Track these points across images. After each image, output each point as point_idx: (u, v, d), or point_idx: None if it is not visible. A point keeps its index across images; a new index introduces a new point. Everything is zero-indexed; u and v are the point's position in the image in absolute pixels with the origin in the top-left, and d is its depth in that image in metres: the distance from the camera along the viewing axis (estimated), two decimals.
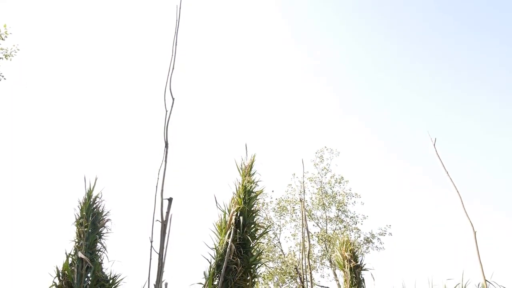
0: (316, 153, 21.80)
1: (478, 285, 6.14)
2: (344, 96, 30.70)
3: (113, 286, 7.16)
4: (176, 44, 5.01)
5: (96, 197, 7.42)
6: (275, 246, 20.37)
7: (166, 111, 4.74)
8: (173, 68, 4.92)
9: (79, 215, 7.23)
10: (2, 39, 12.80)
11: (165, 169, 4.44)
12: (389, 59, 28.58)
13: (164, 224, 4.24)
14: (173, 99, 4.78)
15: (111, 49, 28.03)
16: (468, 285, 6.01)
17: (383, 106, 29.45)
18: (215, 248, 7.00)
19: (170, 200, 4.37)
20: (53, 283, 6.74)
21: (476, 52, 27.39)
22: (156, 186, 4.37)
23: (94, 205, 7.36)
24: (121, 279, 7.27)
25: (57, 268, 6.86)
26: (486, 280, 6.50)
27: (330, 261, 19.39)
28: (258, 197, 7.79)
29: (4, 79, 12.97)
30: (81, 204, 7.34)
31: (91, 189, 7.43)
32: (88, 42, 27.10)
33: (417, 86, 28.17)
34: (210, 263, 6.85)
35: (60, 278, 6.80)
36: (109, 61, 27.96)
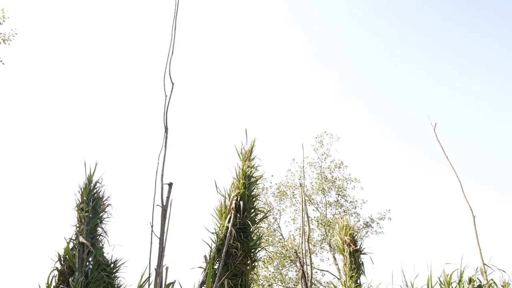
0: (316, 138, 21.82)
1: (477, 268, 6.19)
2: (344, 80, 30.58)
3: (115, 270, 7.22)
4: (175, 29, 4.97)
5: (97, 182, 7.44)
6: (275, 231, 20.50)
7: (166, 96, 4.71)
8: (172, 53, 4.88)
9: (80, 200, 7.26)
10: (0, 23, 12.70)
11: (165, 154, 4.44)
12: (389, 44, 28.40)
13: (164, 209, 4.25)
14: (173, 84, 4.75)
15: (111, 34, 27.85)
16: (467, 268, 6.06)
17: (384, 91, 29.37)
18: (216, 233, 7.04)
19: (170, 185, 4.37)
20: (55, 268, 6.80)
21: (476, 36, 27.21)
22: (156, 171, 4.37)
23: (95, 190, 7.38)
24: (122, 263, 7.33)
25: (58, 253, 6.91)
26: (484, 264, 6.55)
27: (330, 245, 19.53)
28: (258, 182, 7.81)
29: (3, 64, 12.90)
30: (82, 189, 7.36)
31: (92, 174, 7.44)
32: (87, 27, 26.91)
33: (417, 71, 28.06)
34: (211, 247, 6.90)
35: (62, 262, 6.86)
36: (109, 46, 27.80)
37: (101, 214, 7.27)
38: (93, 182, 7.39)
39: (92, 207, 7.13)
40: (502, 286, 9.36)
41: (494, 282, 6.17)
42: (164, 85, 4.73)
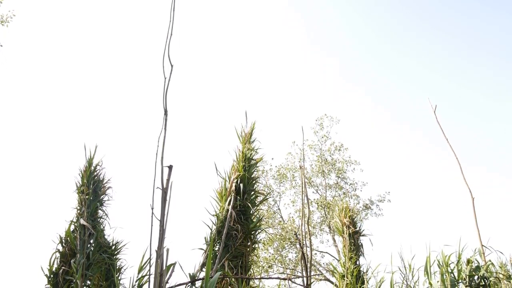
0: (316, 120, 21.79)
1: (475, 250, 6.23)
2: (344, 65, 30.41)
3: (116, 252, 7.27)
4: (174, 10, 4.92)
5: (97, 165, 7.45)
6: (275, 213, 20.63)
7: (165, 78, 4.68)
8: (171, 34, 4.84)
9: (80, 183, 7.27)
10: None
11: (164, 136, 4.43)
12: (389, 29, 28.16)
13: (164, 192, 4.26)
14: (172, 66, 4.71)
15: (110, 16, 27.58)
16: (465, 250, 6.10)
17: (383, 75, 29.24)
18: (216, 215, 7.08)
19: (170, 167, 4.37)
20: (57, 250, 6.85)
21: (475, 20, 26.97)
22: (156, 154, 4.37)
23: (95, 173, 7.39)
24: (123, 245, 7.39)
25: (59, 235, 6.96)
26: (483, 245, 6.60)
27: (329, 227, 19.66)
28: (258, 165, 7.83)
29: (1, 46, 12.82)
30: (82, 172, 7.37)
31: (92, 157, 7.44)
32: (86, 8, 26.64)
33: (417, 55, 27.90)
34: (211, 229, 6.94)
35: (63, 244, 6.90)
36: (108, 28, 27.57)
37: (102, 196, 7.30)
38: (93, 165, 7.40)
39: (92, 189, 7.15)
40: (499, 267, 9.44)
41: (492, 263, 6.22)
42: (163, 67, 4.69)
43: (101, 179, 7.43)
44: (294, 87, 30.56)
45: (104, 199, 7.37)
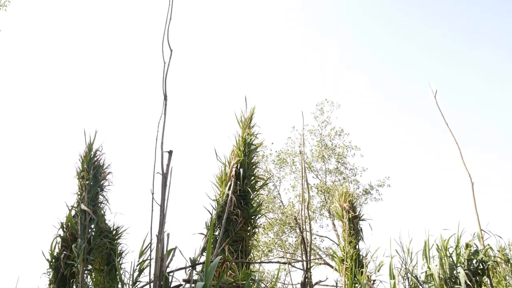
0: (317, 105, 21.73)
1: (474, 234, 6.27)
2: (344, 50, 30.22)
3: (117, 236, 7.31)
4: None
5: (97, 150, 7.44)
6: (275, 198, 20.69)
7: (164, 63, 4.66)
8: (170, 19, 4.80)
9: (80, 168, 7.28)
10: None
11: (164, 121, 4.42)
12: (389, 15, 27.93)
13: (164, 177, 4.27)
14: (171, 50, 4.69)
15: (109, 1, 27.31)
16: (464, 234, 6.13)
17: (384, 61, 29.11)
18: (216, 200, 7.10)
19: (170, 152, 4.38)
20: (58, 235, 6.88)
21: (476, 5, 26.75)
22: (156, 139, 4.37)
23: (95, 159, 7.39)
24: (124, 230, 7.43)
25: (60, 220, 6.99)
26: (481, 229, 6.64)
27: (329, 212, 19.75)
28: (258, 150, 7.83)
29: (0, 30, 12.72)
30: (82, 157, 7.37)
31: (91, 142, 7.44)
32: None
33: (417, 41, 27.75)
34: (211, 214, 6.97)
35: (64, 229, 6.94)
36: (107, 12, 27.33)
37: (102, 182, 7.31)
38: (93, 150, 7.39)
39: (92, 175, 7.16)
40: (498, 251, 9.50)
41: (491, 247, 6.26)
42: (163, 51, 4.67)
43: (101, 164, 7.43)
44: (294, 72, 30.44)
45: (104, 185, 7.38)
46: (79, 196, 7.07)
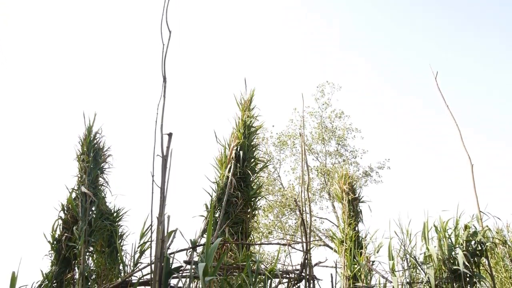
0: (317, 87, 21.65)
1: (473, 216, 6.29)
2: (344, 33, 29.98)
3: (117, 218, 7.36)
4: None
5: (96, 133, 7.44)
6: (274, 180, 20.75)
7: (163, 44, 4.62)
8: (169, 0, 4.74)
9: (80, 151, 7.28)
10: None
11: (164, 104, 4.40)
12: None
13: (164, 159, 4.27)
14: (170, 32, 4.64)
15: None
16: (463, 216, 6.16)
17: (383, 44, 28.91)
18: (216, 182, 7.11)
19: (170, 135, 4.37)
20: (59, 217, 6.92)
21: None
22: (156, 121, 4.36)
23: (95, 141, 7.39)
24: (125, 212, 7.47)
25: (61, 202, 7.02)
26: (480, 211, 6.67)
27: (329, 194, 19.83)
28: (257, 132, 7.82)
29: None
30: (82, 140, 7.37)
31: (91, 125, 7.43)
32: None
33: (417, 24, 27.52)
34: (211, 196, 6.99)
35: (65, 212, 6.97)
36: None
37: (102, 164, 7.32)
38: (93, 133, 7.39)
39: (92, 157, 7.17)
40: (496, 232, 9.57)
41: (489, 229, 6.29)
42: (161, 33, 4.62)
43: (101, 147, 7.44)
44: (294, 55, 30.23)
45: (104, 167, 7.40)
46: (80, 179, 7.09)
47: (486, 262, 6.25)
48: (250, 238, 6.96)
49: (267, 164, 18.54)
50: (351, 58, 29.49)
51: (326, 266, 5.92)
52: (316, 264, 5.57)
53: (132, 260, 6.67)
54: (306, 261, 5.29)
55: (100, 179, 7.27)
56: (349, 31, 29.70)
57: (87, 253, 6.65)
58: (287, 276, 5.23)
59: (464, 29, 27.61)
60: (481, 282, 5.96)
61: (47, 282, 6.39)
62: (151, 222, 4.23)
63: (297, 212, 18.20)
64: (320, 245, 18.81)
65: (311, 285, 5.26)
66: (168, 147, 4.31)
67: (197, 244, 4.65)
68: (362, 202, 8.82)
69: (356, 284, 7.50)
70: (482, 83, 27.31)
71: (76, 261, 6.58)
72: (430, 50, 26.64)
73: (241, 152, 7.17)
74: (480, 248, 5.92)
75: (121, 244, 7.29)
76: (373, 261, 7.64)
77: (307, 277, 5.24)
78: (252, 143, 7.51)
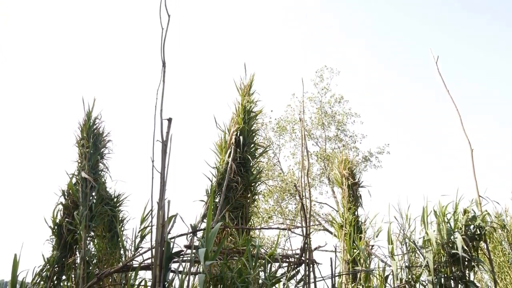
0: (316, 72, 21.56)
1: (472, 200, 6.31)
2: (344, 17, 29.75)
3: (118, 204, 7.39)
4: None
5: (96, 118, 7.42)
6: (274, 165, 20.79)
7: (162, 29, 4.58)
8: None
9: (80, 137, 7.27)
10: None
11: (163, 89, 4.38)
12: None
13: (164, 144, 4.27)
14: (169, 16, 4.60)
15: None
16: (462, 200, 6.18)
17: (383, 29, 28.72)
18: (216, 167, 7.12)
19: (169, 120, 4.36)
20: (59, 202, 6.94)
21: None
22: (155, 107, 4.34)
23: (94, 126, 7.37)
24: (125, 198, 7.50)
25: (62, 188, 7.03)
26: (480, 196, 6.69)
27: (329, 179, 19.89)
28: (257, 117, 7.80)
29: None
30: (81, 125, 7.35)
31: (90, 110, 7.40)
32: None
33: (417, 9, 27.31)
34: (211, 181, 7.00)
35: (66, 197, 6.99)
36: None
37: (102, 150, 7.31)
38: (92, 118, 7.37)
39: (92, 143, 7.16)
40: (495, 217, 9.62)
41: (488, 213, 6.31)
42: (160, 17, 4.58)
43: (100, 132, 7.42)
44: (294, 39, 30.04)
45: (104, 152, 7.39)
46: (80, 164, 7.10)
47: (485, 246, 6.29)
48: (250, 223, 6.99)
49: (267, 150, 18.54)
50: (350, 43, 29.33)
51: (326, 251, 5.97)
52: (315, 249, 5.60)
53: (133, 245, 6.71)
54: (306, 245, 5.32)
55: (100, 164, 7.28)
56: (348, 16, 29.48)
57: (88, 238, 6.68)
58: (287, 260, 5.26)
59: (465, 14, 27.41)
60: (480, 266, 6.00)
61: (48, 266, 6.44)
62: (152, 207, 4.24)
63: (297, 197, 18.26)
64: (319, 230, 18.93)
65: (311, 269, 5.31)
66: (168, 133, 4.31)
67: (198, 229, 4.68)
68: (361, 187, 8.84)
69: (355, 268, 7.56)
70: (482, 68, 27.21)
71: (77, 246, 6.62)
72: (430, 35, 26.48)
73: (241, 137, 7.16)
74: (478, 232, 5.95)
75: (122, 229, 7.33)
76: (372, 246, 7.69)
77: (307, 261, 5.27)
78: (252, 128, 7.50)
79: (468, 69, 27.28)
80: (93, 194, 6.91)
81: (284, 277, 5.05)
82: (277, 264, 5.07)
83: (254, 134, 7.54)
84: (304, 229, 5.45)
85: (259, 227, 13.81)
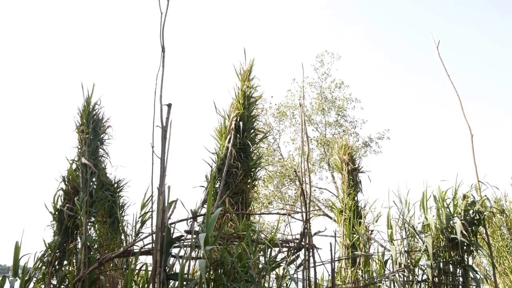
0: (317, 57, 21.45)
1: (471, 185, 6.33)
2: (344, 3, 29.53)
3: (118, 189, 7.40)
4: None
5: (95, 104, 7.39)
6: (274, 151, 20.80)
7: (161, 13, 4.54)
8: None
9: (80, 122, 7.25)
10: None
11: (162, 74, 4.36)
12: None
13: (164, 130, 4.26)
14: (168, 0, 4.55)
15: None
16: (462, 185, 6.19)
17: (384, 18, 28.54)
18: (216, 153, 7.12)
19: (169, 105, 4.34)
20: (60, 188, 6.95)
21: None
22: (155, 92, 4.32)
23: (94, 112, 7.35)
24: (125, 183, 7.51)
25: (62, 174, 7.03)
26: (479, 181, 6.71)
27: (329, 164, 19.91)
28: (257, 103, 7.78)
29: None
30: (81, 111, 7.33)
31: (90, 96, 7.37)
32: None
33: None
34: (211, 167, 7.01)
35: (66, 183, 7.00)
36: None
37: (102, 135, 7.30)
38: (92, 103, 7.34)
39: (92, 128, 7.14)
40: (494, 202, 9.65)
41: (487, 198, 6.34)
42: (159, 1, 4.53)
43: (100, 118, 7.39)
44: (294, 25, 29.83)
45: (104, 138, 7.38)
46: (80, 150, 7.09)
47: (484, 231, 6.32)
48: (250, 208, 7.01)
49: (267, 135, 18.55)
50: (350, 28, 29.12)
51: (326, 236, 5.99)
52: (315, 234, 5.63)
53: (134, 230, 6.75)
54: (306, 230, 5.34)
55: (100, 150, 7.27)
56: (348, 5, 29.27)
57: (89, 224, 6.71)
58: (287, 245, 5.29)
59: (464, 4, 27.23)
60: (478, 251, 6.04)
61: (50, 251, 6.48)
62: (152, 192, 4.25)
63: (297, 183, 18.30)
64: (319, 215, 19.02)
65: (311, 254, 5.34)
66: (167, 118, 4.29)
67: (198, 214, 4.69)
68: (361, 172, 8.86)
69: (355, 252, 7.62)
70: (482, 54, 27.08)
71: (78, 231, 6.65)
72: (430, 22, 26.32)
73: (241, 123, 7.15)
74: (478, 217, 5.98)
75: (122, 214, 7.36)
76: (372, 230, 7.74)
77: (307, 246, 5.30)
78: (251, 114, 7.48)
79: (468, 56, 27.17)
80: (94, 179, 6.91)
81: (284, 262, 5.09)
82: (277, 249, 5.10)
83: (254, 119, 7.53)
84: (304, 214, 5.47)
85: (259, 212, 13.86)
